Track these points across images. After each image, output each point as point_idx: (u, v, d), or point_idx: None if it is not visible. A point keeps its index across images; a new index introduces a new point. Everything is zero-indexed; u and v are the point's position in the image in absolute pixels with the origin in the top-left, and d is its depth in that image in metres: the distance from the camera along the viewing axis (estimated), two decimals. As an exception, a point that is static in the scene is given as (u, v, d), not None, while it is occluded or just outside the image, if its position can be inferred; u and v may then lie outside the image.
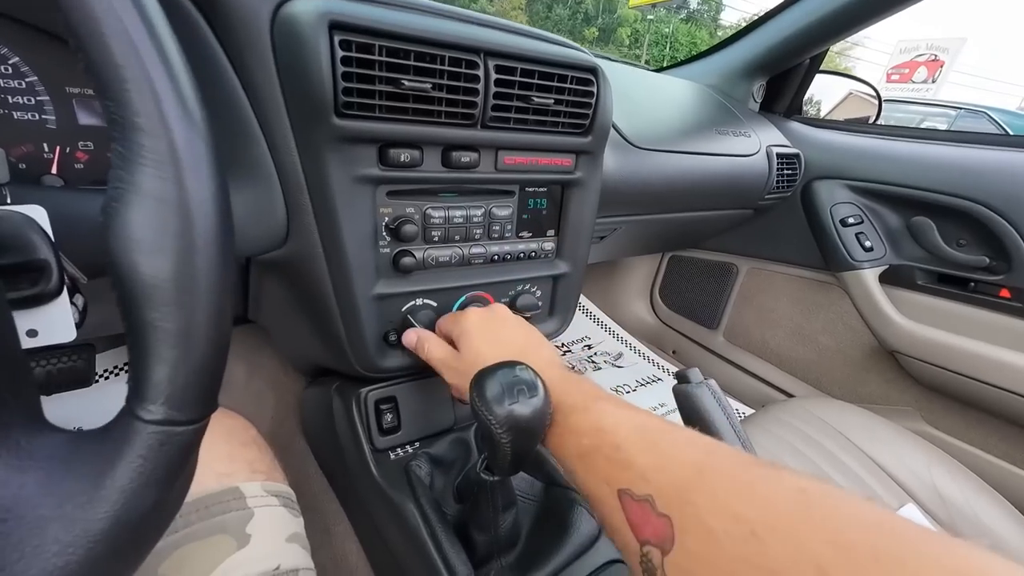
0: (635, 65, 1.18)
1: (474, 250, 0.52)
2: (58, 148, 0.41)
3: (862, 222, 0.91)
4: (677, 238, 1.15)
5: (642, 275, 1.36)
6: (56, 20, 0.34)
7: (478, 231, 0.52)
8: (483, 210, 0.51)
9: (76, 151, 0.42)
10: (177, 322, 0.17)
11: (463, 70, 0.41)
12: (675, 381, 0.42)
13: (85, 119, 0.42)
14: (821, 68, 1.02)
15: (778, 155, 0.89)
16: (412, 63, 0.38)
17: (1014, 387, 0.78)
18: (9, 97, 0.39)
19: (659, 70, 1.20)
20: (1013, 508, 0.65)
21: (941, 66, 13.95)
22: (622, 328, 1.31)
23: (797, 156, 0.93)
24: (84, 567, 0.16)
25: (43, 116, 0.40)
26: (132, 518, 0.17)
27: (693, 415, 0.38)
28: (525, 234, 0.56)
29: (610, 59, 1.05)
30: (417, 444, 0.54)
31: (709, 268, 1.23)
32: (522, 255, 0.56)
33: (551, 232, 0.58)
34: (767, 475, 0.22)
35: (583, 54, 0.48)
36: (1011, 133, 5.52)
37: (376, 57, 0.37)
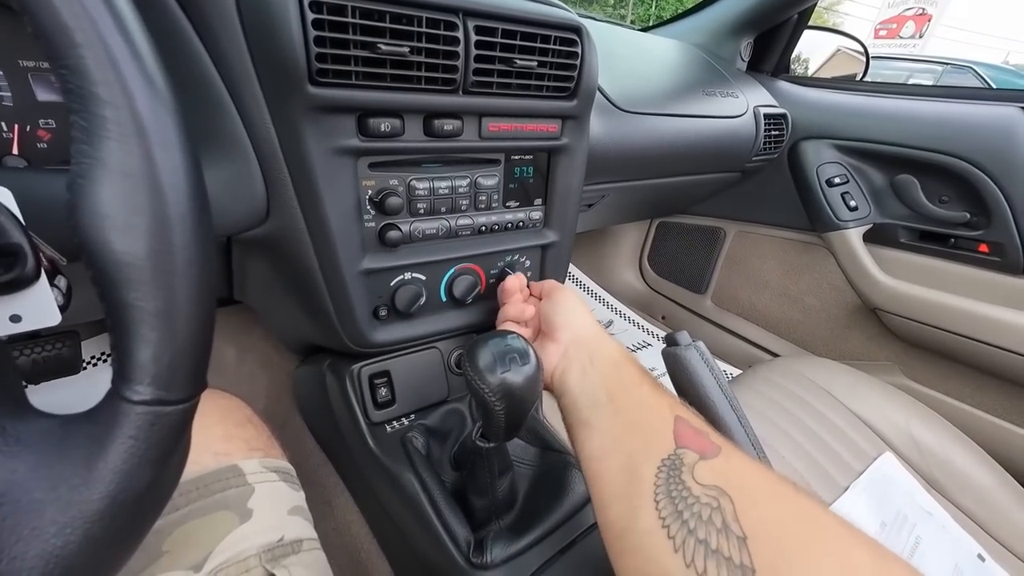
0: (620, 24, 1.14)
1: (461, 221, 0.51)
2: (16, 127, 0.39)
3: (847, 182, 0.92)
4: (665, 204, 1.15)
5: (631, 242, 1.37)
6: None
7: (464, 202, 0.51)
8: (469, 180, 0.50)
9: (37, 130, 0.40)
10: (157, 301, 0.17)
11: (441, 32, 0.39)
12: (665, 345, 0.42)
13: (44, 95, 0.40)
14: (809, 24, 0.99)
15: (765, 116, 0.88)
16: (388, 26, 0.37)
17: (989, 339, 0.81)
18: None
19: (644, 29, 1.16)
20: (985, 453, 0.68)
21: (929, 20, 13.75)
22: (612, 296, 1.32)
23: (784, 116, 0.92)
24: (83, 547, 0.16)
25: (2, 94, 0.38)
26: (128, 498, 0.17)
27: (682, 377, 0.39)
28: (512, 203, 0.55)
29: (594, 18, 1.02)
30: (412, 416, 0.55)
31: (697, 233, 1.24)
32: (510, 225, 0.55)
33: (538, 201, 0.57)
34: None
35: (566, 12, 0.47)
36: (996, 87, 5.52)
37: (349, 19, 0.35)
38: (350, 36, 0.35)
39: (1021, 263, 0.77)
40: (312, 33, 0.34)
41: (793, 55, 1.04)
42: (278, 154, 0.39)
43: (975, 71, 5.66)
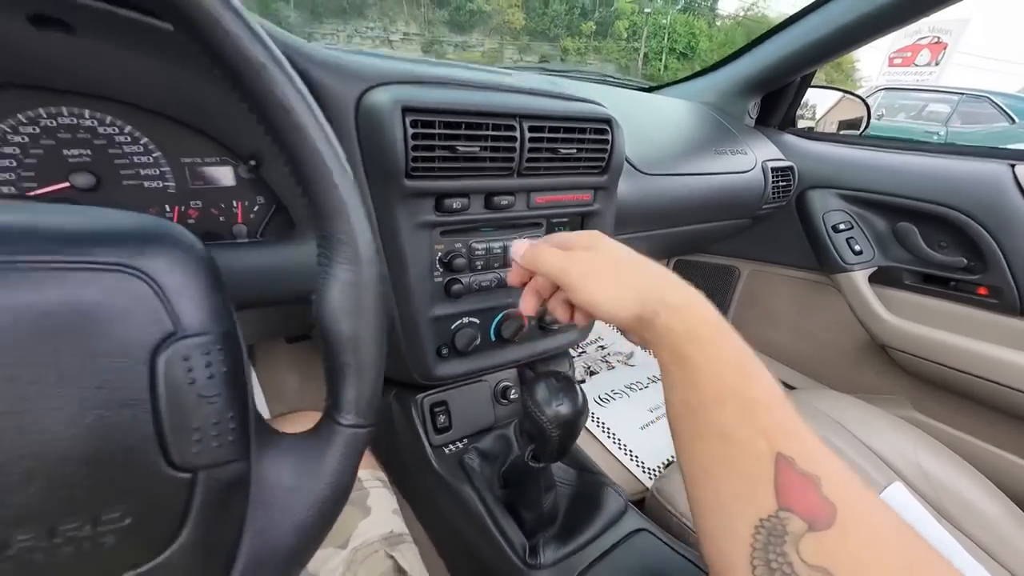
0: (636, 85, 1.26)
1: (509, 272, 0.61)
2: (176, 208, 0.51)
3: (852, 227, 0.99)
4: (682, 245, 1.24)
5: (650, 278, 1.45)
6: (171, 104, 0.43)
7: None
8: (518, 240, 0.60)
9: (189, 209, 0.51)
10: (358, 360, 0.27)
11: (503, 132, 0.50)
12: None
13: (194, 183, 0.51)
14: (812, 84, 1.10)
15: (773, 169, 0.97)
16: (463, 132, 0.48)
17: (992, 376, 0.86)
18: (141, 170, 0.48)
19: (652, 89, 1.28)
20: (992, 484, 0.73)
21: (944, 48, 13.82)
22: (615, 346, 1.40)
23: (791, 168, 1.01)
24: (318, 519, 0.25)
25: (165, 183, 0.50)
26: (339, 489, 0.26)
27: None
28: (551, 258, 0.65)
29: (613, 81, 1.14)
30: (465, 440, 0.64)
31: (713, 270, 1.32)
32: (549, 276, 0.65)
33: (573, 254, 0.67)
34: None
35: (599, 108, 0.57)
36: (1013, 115, 5.50)
37: (436, 130, 0.46)
38: (436, 142, 0.46)
39: (1018, 305, 0.84)
40: (411, 143, 0.44)
41: (801, 101, 1.13)
42: (375, 226, 0.50)
43: (991, 100, 5.69)
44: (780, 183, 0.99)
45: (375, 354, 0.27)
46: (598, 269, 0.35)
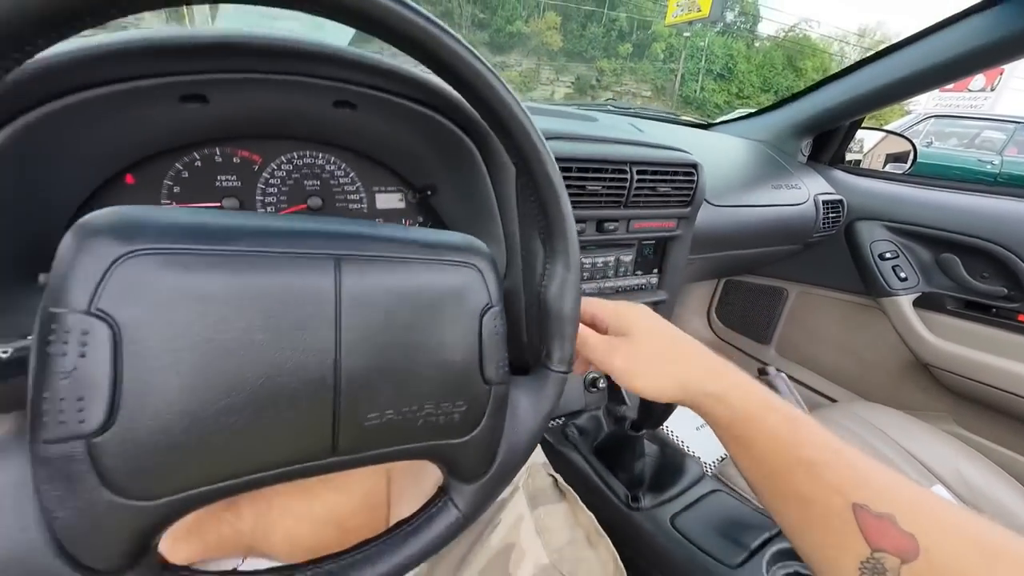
0: (692, 123, 1.40)
1: (606, 284, 0.76)
2: None
3: (897, 256, 1.10)
4: (735, 267, 1.36)
5: (700, 296, 1.57)
6: (375, 150, 0.59)
7: (611, 271, 0.76)
8: (615, 257, 0.75)
9: (376, 225, 0.69)
10: (567, 330, 0.41)
11: (618, 175, 0.65)
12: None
13: (380, 204, 0.69)
14: (863, 126, 1.21)
15: (824, 202, 1.09)
16: (591, 175, 0.63)
17: (1032, 395, 0.94)
18: (349, 196, 0.66)
19: (710, 126, 1.42)
20: None
21: (1001, 73, 13.34)
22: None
23: (841, 201, 1.13)
24: (541, 425, 0.40)
25: (360, 206, 0.67)
26: (552, 410, 0.41)
27: None
28: (639, 272, 0.79)
29: (673, 119, 1.29)
30: (562, 419, 0.78)
31: (762, 291, 1.43)
32: (636, 287, 0.79)
33: (655, 270, 0.81)
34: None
35: (688, 156, 0.72)
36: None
37: (572, 173, 0.62)
38: (571, 182, 0.62)
39: (1056, 332, 0.92)
40: None
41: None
42: (518, 247, 0.65)
43: (1050, 129, 5.50)
44: (830, 215, 1.10)
45: (575, 327, 0.42)
46: (638, 361, 0.39)
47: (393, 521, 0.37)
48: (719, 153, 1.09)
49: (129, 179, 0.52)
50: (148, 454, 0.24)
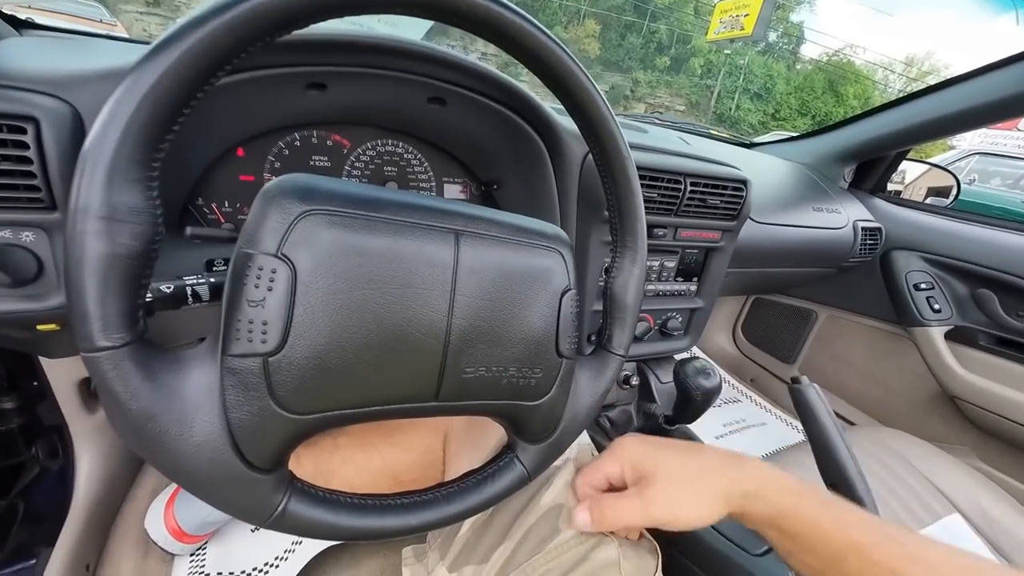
0: (735, 142, 1.42)
1: (649, 287, 0.80)
2: None
3: (932, 288, 1.11)
4: (765, 285, 1.38)
5: (727, 312, 1.59)
6: (450, 142, 0.65)
7: (653, 275, 0.80)
8: (659, 262, 0.79)
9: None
10: (630, 317, 0.46)
11: (672, 185, 0.69)
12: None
13: (446, 194, 0.74)
14: (908, 157, 1.23)
15: (863, 228, 1.11)
16: (647, 182, 0.68)
17: (1058, 437, 0.94)
18: (421, 184, 0.72)
19: (752, 146, 1.44)
20: None
21: (1053, 114, 12.77)
22: (706, 356, 1.54)
23: (879, 230, 1.14)
24: (598, 401, 0.44)
25: (430, 193, 0.73)
26: (608, 389, 0.46)
27: (807, 411, 0.60)
28: (679, 279, 0.83)
29: (716, 136, 1.32)
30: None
31: (790, 311, 1.45)
32: (676, 292, 0.83)
33: (695, 278, 0.85)
34: None
35: (738, 171, 0.76)
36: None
37: None
38: None
39: (1089, 376, 0.92)
40: None
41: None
42: (573, 242, 0.70)
43: (1104, 176, 5.28)
44: (868, 241, 1.12)
45: (635, 316, 0.47)
46: (675, 502, 0.39)
47: (450, 476, 0.42)
48: (763, 171, 1.12)
49: (240, 152, 0.59)
50: (304, 376, 0.29)
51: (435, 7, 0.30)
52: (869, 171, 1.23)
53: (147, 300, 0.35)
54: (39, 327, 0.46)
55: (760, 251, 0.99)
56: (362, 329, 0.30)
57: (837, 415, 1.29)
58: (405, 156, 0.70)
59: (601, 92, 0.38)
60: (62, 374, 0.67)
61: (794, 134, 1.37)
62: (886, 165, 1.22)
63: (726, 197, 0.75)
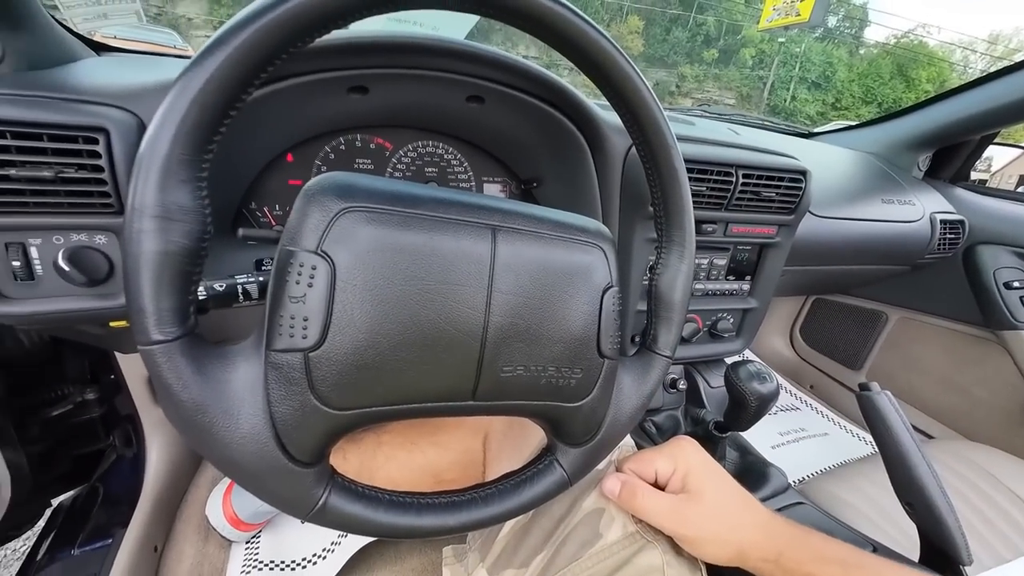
0: (791, 132, 1.34)
1: (697, 286, 0.76)
2: None
3: (1027, 286, 0.99)
4: (827, 284, 1.28)
5: (784, 313, 1.49)
6: (489, 142, 0.65)
7: (702, 274, 0.76)
8: (708, 260, 0.75)
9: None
10: (677, 316, 0.43)
11: (722, 178, 0.65)
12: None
13: (488, 192, 0.74)
14: (995, 141, 1.10)
15: (942, 221, 1.01)
16: (694, 176, 0.64)
17: None
18: (460, 183, 0.72)
19: (812, 136, 1.35)
20: None
21: None
22: (760, 359, 1.45)
23: (961, 222, 1.03)
24: (644, 404, 0.42)
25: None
26: (654, 391, 0.43)
27: (878, 421, 0.54)
28: (731, 277, 0.79)
29: (771, 126, 1.24)
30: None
31: (856, 313, 1.33)
32: (727, 292, 0.79)
33: (748, 277, 0.80)
34: None
35: (797, 162, 0.71)
36: None
37: None
38: None
39: None
40: None
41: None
42: (616, 238, 0.68)
43: None
44: (948, 235, 1.01)
45: (683, 315, 0.44)
46: (704, 529, 0.40)
47: (490, 476, 0.41)
48: (823, 162, 1.04)
49: (289, 157, 0.61)
50: (343, 371, 0.29)
51: None
52: (948, 158, 1.12)
53: (201, 298, 0.36)
54: (112, 324, 0.50)
55: (821, 247, 0.91)
56: (399, 325, 0.30)
57: (913, 427, 1.19)
58: (445, 156, 0.70)
59: (642, 75, 0.36)
60: (134, 368, 0.72)
61: (853, 123, 1.27)
62: (969, 151, 1.10)
63: (782, 189, 0.70)
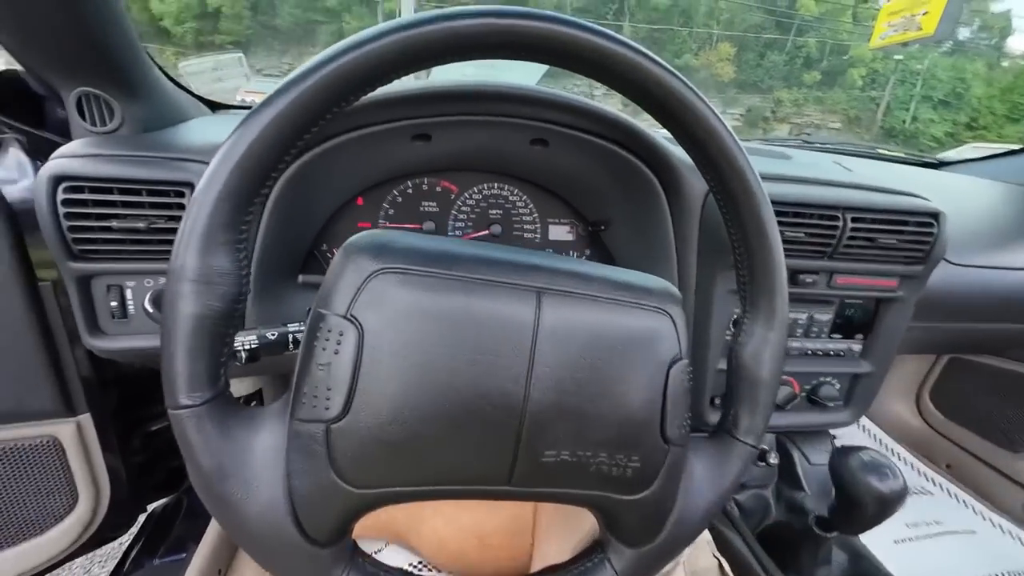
0: (913, 161, 1.15)
1: (794, 344, 0.65)
2: None
3: None
4: (967, 343, 1.05)
5: (909, 372, 1.25)
6: (555, 183, 0.61)
7: (799, 330, 0.65)
8: (807, 315, 0.64)
9: (547, 255, 0.71)
10: (763, 398, 0.36)
11: (827, 222, 0.56)
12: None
13: (552, 235, 0.71)
14: None
15: None
16: (788, 220, 0.56)
17: None
18: (525, 226, 0.69)
19: (940, 165, 1.15)
20: None
21: None
22: (878, 427, 1.22)
23: None
24: (720, 501, 0.35)
25: (535, 235, 0.70)
26: (735, 486, 0.36)
27: None
28: (836, 336, 0.67)
29: (887, 156, 1.08)
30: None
31: (1007, 379, 1.07)
32: (831, 352, 0.67)
33: (859, 336, 0.67)
34: None
35: (924, 202, 0.59)
36: None
37: None
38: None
39: None
40: None
41: None
42: (694, 285, 0.60)
43: None
44: None
45: (772, 396, 0.36)
46: None
47: (537, 556, 0.36)
48: (960, 198, 0.88)
49: (359, 201, 0.63)
50: (364, 447, 0.27)
51: (497, 41, 0.27)
52: None
53: (253, 347, 0.37)
54: None
55: (959, 301, 0.75)
56: (426, 399, 0.27)
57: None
58: (510, 198, 0.69)
59: (715, 108, 0.31)
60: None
61: (1005, 148, 1.06)
62: None
63: (907, 236, 0.58)
